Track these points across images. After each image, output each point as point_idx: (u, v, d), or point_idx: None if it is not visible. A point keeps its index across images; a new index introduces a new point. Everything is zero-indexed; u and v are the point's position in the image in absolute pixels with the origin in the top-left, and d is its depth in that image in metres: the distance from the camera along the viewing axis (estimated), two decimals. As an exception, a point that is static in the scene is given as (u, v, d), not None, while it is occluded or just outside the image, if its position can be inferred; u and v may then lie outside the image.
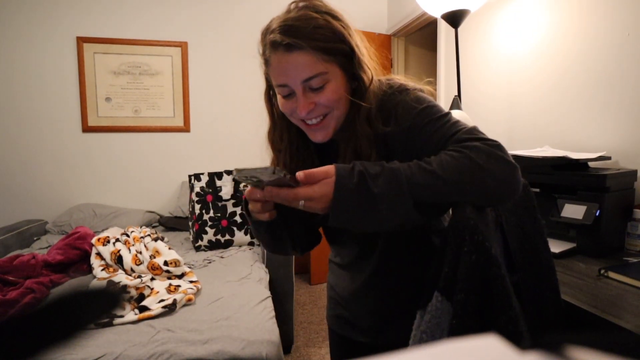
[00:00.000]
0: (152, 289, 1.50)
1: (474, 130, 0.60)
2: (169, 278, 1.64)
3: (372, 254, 0.76)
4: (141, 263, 1.67)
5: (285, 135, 0.74)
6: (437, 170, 0.54)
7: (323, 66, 0.62)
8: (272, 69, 0.65)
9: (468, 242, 0.48)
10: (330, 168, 0.55)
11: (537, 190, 1.19)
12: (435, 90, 2.58)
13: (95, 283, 1.57)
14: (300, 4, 0.64)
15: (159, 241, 1.86)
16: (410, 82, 0.71)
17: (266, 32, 0.65)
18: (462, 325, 0.46)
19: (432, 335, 0.48)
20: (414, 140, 0.63)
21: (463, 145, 0.56)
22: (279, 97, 0.68)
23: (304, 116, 0.65)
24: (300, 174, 0.53)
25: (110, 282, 1.51)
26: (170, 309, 1.37)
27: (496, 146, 0.56)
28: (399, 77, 0.72)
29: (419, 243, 0.75)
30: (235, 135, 3.07)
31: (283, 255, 0.86)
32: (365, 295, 0.80)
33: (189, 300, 1.45)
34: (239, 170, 0.51)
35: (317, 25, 0.61)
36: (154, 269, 1.63)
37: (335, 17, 0.64)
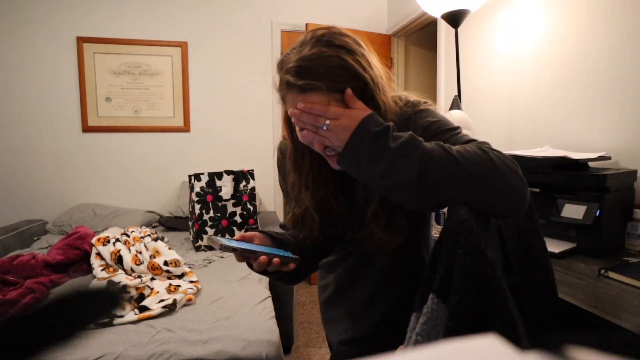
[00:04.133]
0: (152, 289, 1.50)
1: (488, 143, 0.60)
2: (169, 278, 1.64)
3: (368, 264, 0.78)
4: (141, 263, 1.67)
5: (307, 156, 0.73)
6: (457, 155, 0.54)
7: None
8: (288, 106, 0.65)
9: (463, 244, 0.48)
10: (365, 108, 0.61)
11: (537, 190, 1.19)
12: (435, 90, 2.58)
13: (95, 283, 1.57)
14: (318, 34, 0.64)
15: (159, 241, 1.86)
16: (416, 97, 0.73)
17: (281, 66, 0.65)
18: (458, 327, 0.45)
19: (428, 337, 0.48)
20: None
21: (486, 146, 0.57)
22: (297, 128, 0.67)
23: (320, 151, 0.66)
24: (348, 91, 0.61)
25: (110, 282, 1.51)
26: (170, 309, 1.37)
27: (513, 160, 0.57)
28: (405, 94, 0.73)
29: (410, 255, 0.77)
30: (235, 135, 3.07)
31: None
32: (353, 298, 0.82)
33: (189, 300, 1.45)
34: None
35: (330, 65, 0.61)
36: (154, 269, 1.63)
37: (350, 52, 0.63)
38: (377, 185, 0.59)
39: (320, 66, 0.61)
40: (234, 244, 0.62)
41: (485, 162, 0.54)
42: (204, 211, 2.20)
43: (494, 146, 0.59)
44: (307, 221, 0.75)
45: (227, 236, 2.20)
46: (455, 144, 0.60)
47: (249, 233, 0.69)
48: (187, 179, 2.83)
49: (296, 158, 0.75)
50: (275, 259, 0.63)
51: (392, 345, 0.79)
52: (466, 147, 0.56)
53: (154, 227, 2.70)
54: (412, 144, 0.55)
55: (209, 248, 2.19)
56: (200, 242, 2.19)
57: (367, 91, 0.64)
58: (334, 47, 0.62)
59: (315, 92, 0.61)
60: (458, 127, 0.65)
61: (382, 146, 0.55)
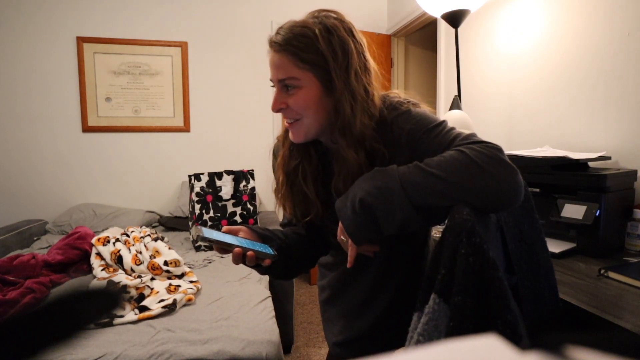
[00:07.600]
0: (152, 289, 1.50)
1: (472, 135, 0.60)
2: (169, 278, 1.64)
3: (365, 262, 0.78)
4: (141, 263, 1.67)
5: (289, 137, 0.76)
6: (435, 170, 0.54)
7: (296, 72, 0.65)
8: (269, 62, 0.70)
9: (465, 244, 0.48)
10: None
11: (537, 190, 1.19)
12: (435, 90, 2.58)
13: (95, 283, 1.57)
14: (320, 13, 0.68)
15: (159, 241, 1.86)
16: (404, 97, 0.72)
17: None
18: (460, 327, 0.45)
19: (429, 337, 0.48)
20: (412, 156, 0.63)
21: (463, 145, 0.57)
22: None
23: (274, 111, 0.70)
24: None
25: (110, 282, 1.51)
26: (170, 309, 1.37)
27: (496, 149, 0.56)
28: (396, 92, 0.73)
29: (408, 257, 0.77)
30: (235, 135, 3.07)
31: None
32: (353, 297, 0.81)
33: (189, 300, 1.45)
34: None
35: (302, 33, 0.65)
36: (154, 269, 1.63)
37: (329, 32, 0.65)
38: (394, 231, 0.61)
39: (294, 32, 0.65)
40: (215, 235, 0.65)
41: (467, 165, 0.54)
42: (204, 211, 2.20)
43: None
44: (281, 196, 0.79)
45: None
46: (440, 143, 0.61)
47: (236, 227, 0.72)
48: (187, 179, 2.83)
49: (282, 136, 0.80)
50: (250, 253, 0.66)
51: (386, 347, 0.78)
52: (445, 155, 0.56)
53: (154, 227, 2.70)
54: (382, 180, 0.57)
55: (209, 248, 2.19)
56: (200, 242, 2.19)
57: (327, 72, 0.66)
58: (319, 23, 0.66)
59: (282, 54, 0.65)
60: (441, 123, 0.64)
61: (365, 210, 0.58)
